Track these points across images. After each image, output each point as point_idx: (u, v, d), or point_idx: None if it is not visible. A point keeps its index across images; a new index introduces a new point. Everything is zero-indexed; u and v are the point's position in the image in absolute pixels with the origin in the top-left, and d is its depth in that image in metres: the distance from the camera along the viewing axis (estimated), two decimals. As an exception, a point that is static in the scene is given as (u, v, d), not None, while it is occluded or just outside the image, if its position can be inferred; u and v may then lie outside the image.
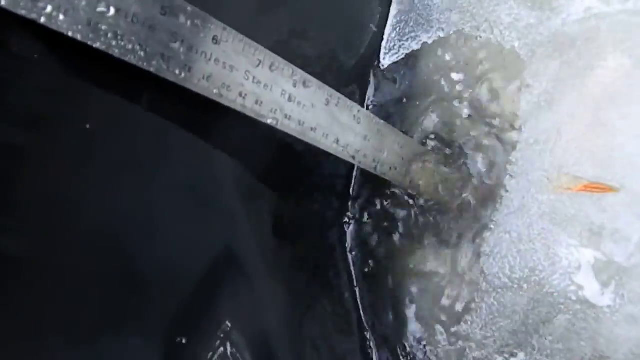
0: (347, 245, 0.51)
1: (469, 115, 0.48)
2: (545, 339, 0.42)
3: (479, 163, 0.46)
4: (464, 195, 0.46)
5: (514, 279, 0.43)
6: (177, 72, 0.29)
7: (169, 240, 0.37)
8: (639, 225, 0.40)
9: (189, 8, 0.29)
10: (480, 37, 0.49)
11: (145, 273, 0.35)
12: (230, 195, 0.42)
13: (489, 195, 0.45)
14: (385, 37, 0.53)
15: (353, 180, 0.51)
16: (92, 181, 0.31)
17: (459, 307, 0.45)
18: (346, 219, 0.51)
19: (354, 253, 0.50)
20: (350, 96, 0.53)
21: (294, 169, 0.47)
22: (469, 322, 0.45)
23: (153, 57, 0.28)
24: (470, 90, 0.48)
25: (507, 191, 0.45)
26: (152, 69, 0.28)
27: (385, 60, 0.53)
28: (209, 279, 0.40)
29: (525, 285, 0.43)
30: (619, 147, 0.41)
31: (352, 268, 0.50)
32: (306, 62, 0.49)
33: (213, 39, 0.30)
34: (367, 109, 0.54)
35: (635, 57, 0.42)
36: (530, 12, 0.47)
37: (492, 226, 0.45)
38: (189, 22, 0.29)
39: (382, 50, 0.53)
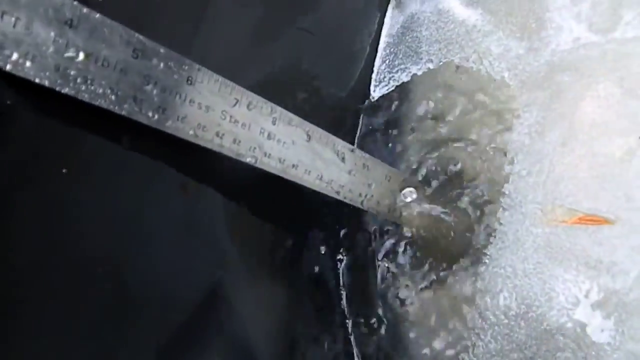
0: (340, 281, 0.49)
1: (460, 147, 0.47)
2: (545, 378, 0.40)
3: (468, 197, 0.45)
4: (456, 228, 0.45)
5: (510, 315, 0.42)
6: (150, 114, 0.29)
7: (159, 271, 0.36)
8: (637, 258, 0.38)
9: (161, 50, 0.29)
10: (470, 68, 0.48)
11: (135, 301, 0.35)
12: (221, 230, 0.42)
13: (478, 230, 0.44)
14: (375, 69, 0.53)
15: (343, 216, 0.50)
16: (89, 208, 0.31)
17: (454, 345, 0.44)
18: (339, 256, 0.50)
19: (347, 289, 0.49)
20: (341, 128, 0.53)
21: (285, 205, 0.47)
22: (466, 361, 0.43)
23: (125, 100, 0.28)
24: (461, 122, 0.47)
25: (500, 224, 0.44)
26: (123, 112, 0.28)
27: (376, 92, 0.53)
28: (197, 313, 0.39)
29: (522, 322, 0.41)
30: (612, 177, 0.40)
31: (344, 305, 0.49)
32: (297, 95, 0.49)
33: (187, 79, 0.30)
34: (359, 140, 0.53)
35: (625, 87, 0.41)
36: (519, 43, 0.47)
37: (486, 260, 0.43)
38: (162, 64, 0.29)
39: (372, 82, 0.53)
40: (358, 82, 0.53)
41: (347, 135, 0.52)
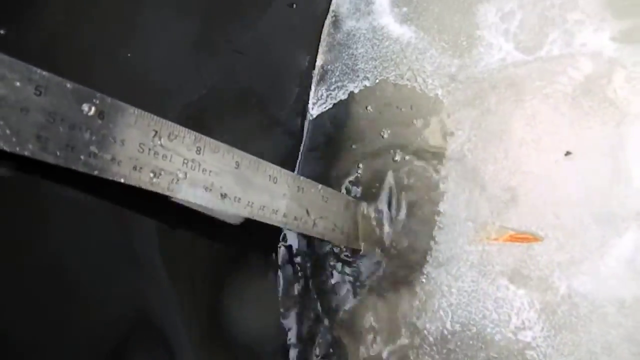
0: (278, 298, 0.49)
1: (396, 165, 0.47)
2: (482, 396, 0.41)
3: (406, 213, 0.45)
4: (394, 246, 0.45)
5: (446, 335, 0.42)
6: (57, 153, 0.28)
7: (95, 289, 0.36)
8: (564, 275, 0.39)
9: (68, 85, 0.28)
10: (405, 85, 0.48)
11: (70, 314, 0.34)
12: (153, 253, 0.41)
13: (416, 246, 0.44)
14: (313, 87, 0.53)
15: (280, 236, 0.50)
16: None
17: (394, 365, 0.44)
18: (277, 273, 0.49)
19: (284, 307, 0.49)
20: (281, 147, 0.53)
21: (219, 228, 0.46)
22: (405, 381, 0.43)
23: (27, 140, 0.27)
24: (397, 139, 0.48)
25: (436, 243, 0.44)
26: (26, 153, 0.27)
27: (314, 110, 0.52)
28: (126, 332, 0.38)
29: (458, 341, 0.41)
30: (541, 195, 0.41)
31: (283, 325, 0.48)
32: (235, 115, 0.48)
33: (99, 114, 0.29)
34: (300, 159, 0.53)
35: (552, 104, 0.42)
36: (451, 60, 0.47)
37: (423, 279, 0.44)
38: (68, 100, 0.28)
39: (311, 100, 0.52)
40: (296, 101, 0.52)
41: (285, 154, 0.52)
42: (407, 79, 0.48)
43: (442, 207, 0.44)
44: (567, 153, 0.41)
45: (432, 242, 0.44)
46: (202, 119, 0.45)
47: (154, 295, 0.40)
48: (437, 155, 0.45)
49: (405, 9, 0.50)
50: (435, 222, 0.44)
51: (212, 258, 0.45)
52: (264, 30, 0.50)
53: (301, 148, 0.52)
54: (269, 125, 0.52)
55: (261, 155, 0.44)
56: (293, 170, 0.52)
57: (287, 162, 0.52)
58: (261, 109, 0.51)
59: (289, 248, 0.49)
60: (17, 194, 0.30)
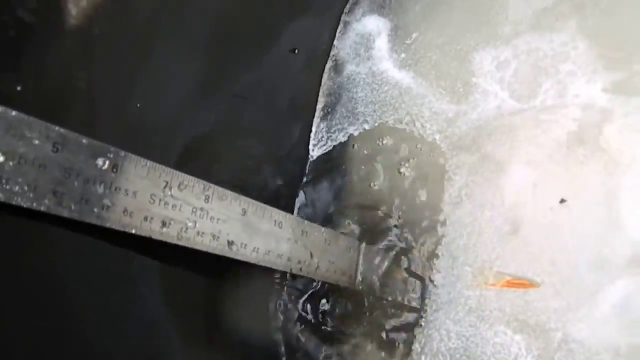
0: (281, 344, 0.49)
1: (396, 208, 0.48)
2: None
3: (405, 256, 0.46)
4: (395, 290, 0.46)
5: (445, 378, 0.42)
6: (72, 207, 0.28)
7: (97, 337, 0.35)
8: (560, 322, 0.40)
9: (84, 141, 0.29)
10: (403, 129, 0.50)
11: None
12: (155, 305, 0.41)
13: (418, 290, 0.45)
14: (314, 129, 0.54)
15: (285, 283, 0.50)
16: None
17: (394, 408, 0.44)
18: (276, 321, 0.49)
19: (287, 351, 0.49)
20: (281, 188, 0.54)
21: (222, 272, 0.46)
22: None
23: (44, 195, 0.27)
24: (396, 184, 0.49)
25: (435, 286, 0.45)
26: (42, 208, 0.27)
27: (314, 152, 0.53)
28: None
29: (457, 385, 0.42)
30: (537, 241, 0.42)
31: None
32: (239, 154, 0.49)
33: (112, 168, 0.30)
34: (301, 199, 0.53)
35: (546, 152, 0.44)
36: (449, 106, 0.49)
37: (422, 323, 0.44)
38: (83, 156, 0.29)
39: (311, 142, 0.54)
40: (297, 142, 0.53)
41: (286, 194, 0.52)
42: (406, 123, 0.50)
43: (440, 250, 0.45)
44: (562, 200, 0.42)
45: (430, 286, 0.45)
46: (203, 158, 0.45)
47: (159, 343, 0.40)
48: (435, 200, 0.47)
49: (403, 55, 0.51)
50: (434, 265, 0.45)
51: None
52: (266, 74, 0.51)
53: (301, 189, 0.53)
54: (270, 166, 0.52)
55: (262, 195, 0.44)
56: (293, 211, 0.53)
57: (287, 202, 0.53)
58: (262, 150, 0.52)
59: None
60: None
